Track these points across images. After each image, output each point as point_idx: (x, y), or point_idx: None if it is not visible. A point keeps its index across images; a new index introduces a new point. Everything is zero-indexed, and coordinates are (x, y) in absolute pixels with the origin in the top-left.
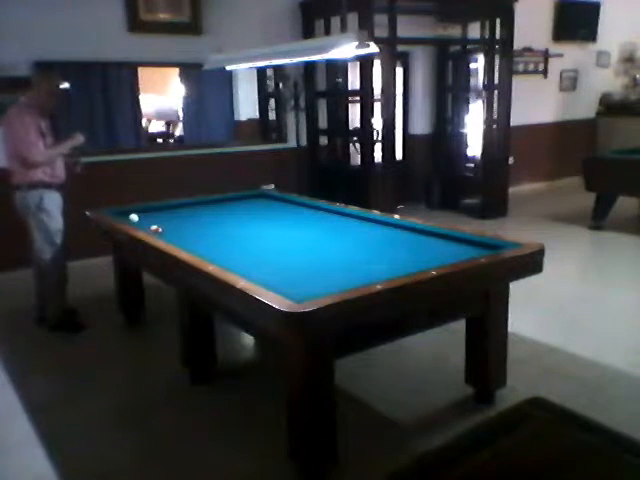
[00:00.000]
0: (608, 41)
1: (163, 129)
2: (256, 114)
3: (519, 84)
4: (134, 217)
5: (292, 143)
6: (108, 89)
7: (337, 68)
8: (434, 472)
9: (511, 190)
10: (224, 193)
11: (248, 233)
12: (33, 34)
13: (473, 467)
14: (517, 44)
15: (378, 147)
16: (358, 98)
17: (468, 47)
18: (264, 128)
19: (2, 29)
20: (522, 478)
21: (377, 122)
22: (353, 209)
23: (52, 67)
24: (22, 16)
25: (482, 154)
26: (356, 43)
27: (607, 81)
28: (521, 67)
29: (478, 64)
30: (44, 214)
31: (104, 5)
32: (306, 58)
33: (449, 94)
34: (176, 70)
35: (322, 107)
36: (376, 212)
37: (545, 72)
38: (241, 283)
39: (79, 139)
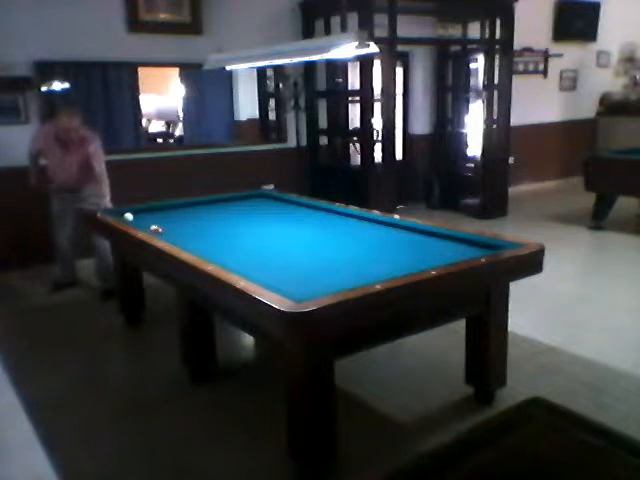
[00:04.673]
0: (608, 41)
1: (163, 129)
2: (256, 114)
3: (519, 84)
4: (129, 216)
5: (292, 143)
6: (108, 89)
7: (337, 68)
8: (434, 472)
9: (511, 190)
10: (224, 193)
11: (248, 233)
12: (33, 34)
13: (473, 467)
14: (517, 44)
15: (378, 147)
16: (358, 98)
17: (468, 47)
18: (264, 128)
19: (2, 29)
20: (522, 478)
21: (377, 122)
22: (353, 209)
23: (52, 67)
24: (22, 16)
25: (482, 154)
26: (356, 43)
27: (607, 81)
28: (521, 67)
29: (478, 64)
30: None
31: (104, 5)
32: (306, 58)
33: (449, 94)
34: (176, 70)
35: (322, 107)
36: (376, 212)
37: (545, 72)
38: (241, 283)
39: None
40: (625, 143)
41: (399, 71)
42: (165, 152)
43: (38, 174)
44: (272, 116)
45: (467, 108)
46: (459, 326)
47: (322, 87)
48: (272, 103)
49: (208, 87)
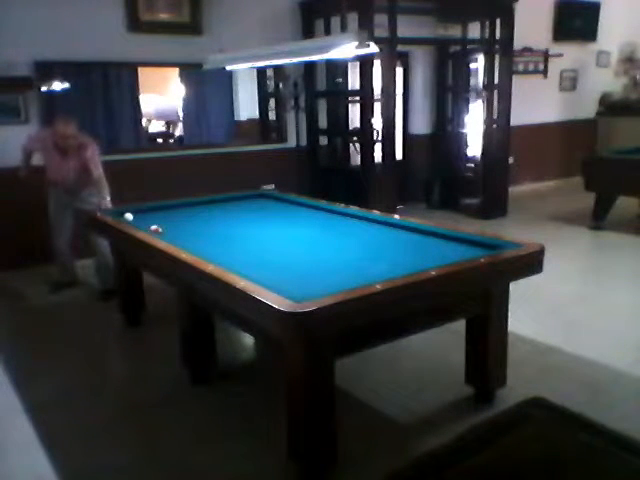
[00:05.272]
0: (608, 41)
1: (163, 129)
2: (256, 114)
3: (519, 84)
4: (129, 216)
5: (292, 143)
6: (108, 89)
7: (337, 68)
8: (434, 472)
9: (511, 190)
10: (224, 193)
11: (248, 233)
12: (33, 34)
13: (473, 467)
14: (517, 44)
15: (378, 147)
16: (358, 98)
17: (468, 47)
18: (264, 128)
19: (2, 29)
20: (522, 478)
21: (377, 122)
22: (353, 209)
23: (52, 67)
24: (22, 16)
25: (482, 154)
26: (356, 43)
27: (607, 81)
28: (521, 67)
29: (478, 64)
30: None
31: (104, 5)
32: (306, 58)
33: (449, 94)
34: (176, 70)
35: (322, 107)
36: (376, 212)
37: (545, 72)
38: (241, 283)
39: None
40: (625, 143)
41: (399, 71)
42: (165, 152)
43: (27, 164)
44: (272, 116)
45: (467, 108)
46: (459, 326)
47: (322, 87)
48: (272, 103)
49: (208, 87)
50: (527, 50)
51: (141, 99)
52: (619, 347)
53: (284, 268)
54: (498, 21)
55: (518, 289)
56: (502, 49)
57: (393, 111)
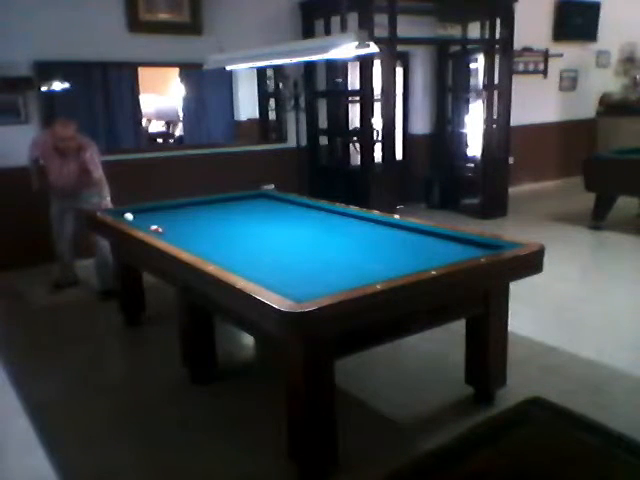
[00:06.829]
0: (608, 41)
1: (163, 129)
2: (256, 114)
3: (519, 84)
4: (129, 216)
5: (292, 143)
6: (108, 89)
7: (337, 68)
8: (434, 472)
9: (511, 190)
10: (224, 193)
11: (248, 233)
12: (33, 34)
13: (473, 467)
14: (517, 44)
15: (378, 147)
16: (358, 98)
17: (468, 47)
18: (264, 128)
19: (2, 29)
20: (522, 478)
21: (377, 122)
22: (353, 209)
23: (52, 67)
24: (22, 16)
25: (482, 154)
26: (356, 43)
27: (607, 81)
28: (521, 67)
29: (478, 64)
30: None
31: (104, 5)
32: (306, 58)
33: (449, 94)
34: (176, 70)
35: (322, 107)
36: (376, 212)
37: (545, 72)
38: (241, 283)
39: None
40: (625, 143)
41: (399, 71)
42: (165, 152)
43: (39, 176)
44: (272, 116)
45: (467, 108)
46: (459, 326)
47: (322, 87)
48: (272, 103)
49: (208, 87)
50: (527, 50)
51: (141, 99)
52: (619, 347)
53: (284, 268)
54: (498, 21)
55: (518, 289)
56: (502, 49)
57: (393, 111)
